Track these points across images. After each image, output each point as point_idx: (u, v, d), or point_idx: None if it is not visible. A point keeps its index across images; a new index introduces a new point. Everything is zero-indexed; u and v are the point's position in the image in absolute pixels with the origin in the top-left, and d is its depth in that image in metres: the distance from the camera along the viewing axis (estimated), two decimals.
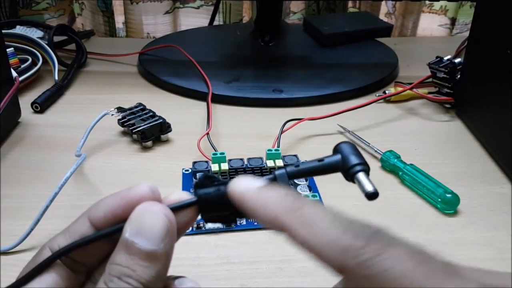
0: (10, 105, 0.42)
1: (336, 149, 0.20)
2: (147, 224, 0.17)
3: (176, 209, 0.19)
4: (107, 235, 0.18)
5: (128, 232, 0.17)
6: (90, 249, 0.19)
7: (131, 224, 0.17)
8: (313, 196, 0.32)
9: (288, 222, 0.17)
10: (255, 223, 0.33)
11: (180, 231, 0.19)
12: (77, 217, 0.19)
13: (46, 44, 0.56)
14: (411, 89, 0.49)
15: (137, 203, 0.18)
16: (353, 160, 0.19)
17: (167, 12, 0.76)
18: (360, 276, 0.15)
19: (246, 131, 0.45)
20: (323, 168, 0.19)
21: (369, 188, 0.18)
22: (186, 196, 0.19)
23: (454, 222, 0.34)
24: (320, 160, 0.19)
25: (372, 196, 0.18)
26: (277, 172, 0.19)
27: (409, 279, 0.15)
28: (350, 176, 0.19)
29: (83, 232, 0.19)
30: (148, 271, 0.17)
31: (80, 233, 0.19)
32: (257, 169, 0.36)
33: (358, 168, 0.19)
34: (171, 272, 0.29)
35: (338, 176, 0.21)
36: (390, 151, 0.39)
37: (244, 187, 0.18)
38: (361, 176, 0.19)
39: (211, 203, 0.19)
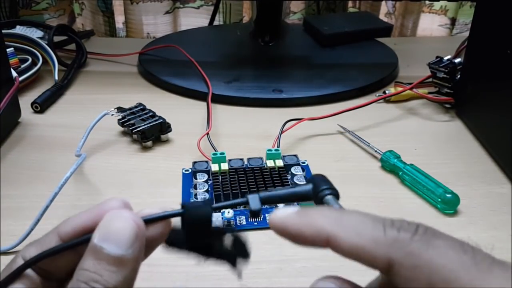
0: (10, 105, 0.42)
1: (309, 180, 0.21)
2: (115, 229, 0.17)
3: (151, 220, 0.19)
4: (74, 245, 0.18)
5: (96, 237, 0.17)
6: (59, 259, 0.19)
7: (99, 230, 0.17)
8: None
9: (333, 231, 0.17)
10: (255, 223, 0.33)
11: (154, 243, 0.19)
12: (50, 231, 0.20)
13: (46, 44, 0.56)
14: (411, 89, 0.49)
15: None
16: (323, 185, 0.20)
17: (167, 12, 0.76)
18: (408, 266, 0.16)
19: (246, 131, 0.45)
20: (295, 194, 0.20)
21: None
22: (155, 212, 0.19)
23: (454, 222, 0.34)
24: (293, 186, 0.20)
25: None
26: (250, 196, 0.20)
27: (456, 267, 0.15)
28: (320, 200, 0.19)
29: (51, 246, 0.19)
30: (115, 276, 0.17)
31: (49, 246, 0.19)
32: (257, 169, 0.36)
33: (326, 192, 0.19)
34: (173, 271, 0.29)
35: (338, 177, 0.21)
36: (390, 151, 0.39)
37: (283, 214, 0.19)
38: (329, 198, 0.19)
39: (197, 221, 0.19)
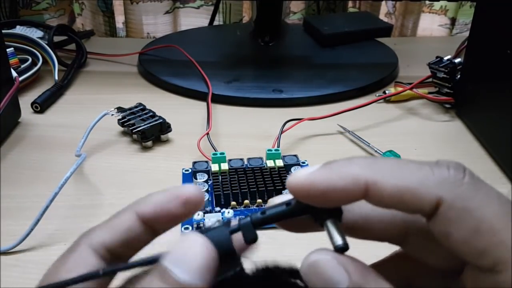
0: (10, 105, 0.42)
1: None
2: (190, 255, 0.16)
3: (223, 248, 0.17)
4: (144, 264, 0.17)
5: (168, 259, 0.16)
6: (134, 243, 0.18)
7: (173, 252, 0.16)
8: None
9: (371, 176, 0.16)
10: None
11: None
12: (119, 212, 0.19)
13: (46, 44, 0.56)
14: (411, 89, 0.49)
15: (187, 201, 0.18)
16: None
17: (167, 12, 0.76)
18: (458, 208, 0.15)
19: (246, 131, 0.45)
20: (291, 212, 0.17)
21: (338, 241, 0.16)
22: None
23: None
24: (288, 204, 0.17)
25: (340, 250, 0.16)
26: (242, 222, 0.18)
27: (501, 219, 0.15)
28: (320, 222, 0.17)
29: (128, 226, 0.18)
30: None
31: (126, 227, 0.18)
32: (257, 169, 0.36)
33: (328, 214, 0.17)
34: None
35: None
36: (390, 151, 0.39)
37: (307, 171, 0.16)
38: (329, 224, 0.17)
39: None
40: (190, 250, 0.16)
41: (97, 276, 0.17)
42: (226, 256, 0.17)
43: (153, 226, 0.18)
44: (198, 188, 0.18)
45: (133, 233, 0.18)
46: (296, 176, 0.16)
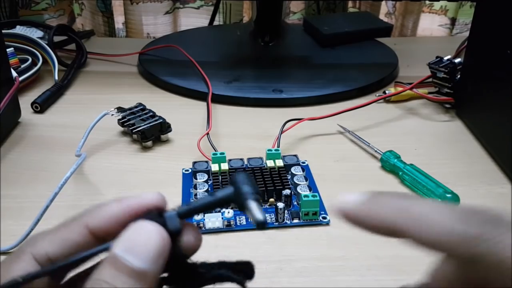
0: (10, 105, 0.42)
1: (231, 180, 0.19)
2: (141, 242, 0.16)
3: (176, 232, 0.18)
4: (95, 254, 0.17)
5: (118, 247, 0.16)
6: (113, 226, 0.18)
7: (124, 240, 0.16)
8: (313, 196, 0.32)
9: (402, 224, 0.16)
10: None
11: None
12: (68, 222, 0.18)
13: (46, 44, 0.56)
14: (411, 89, 0.49)
15: (145, 211, 0.18)
16: (245, 189, 0.18)
17: (167, 13, 0.76)
18: (493, 262, 0.15)
19: (246, 131, 0.45)
20: (216, 202, 0.19)
21: (259, 216, 0.18)
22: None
23: None
24: (212, 194, 0.19)
25: (260, 225, 0.17)
26: (167, 215, 0.18)
27: None
28: (241, 205, 0.18)
29: (76, 241, 0.18)
30: None
31: (73, 242, 0.18)
32: (257, 169, 0.36)
33: (248, 196, 0.18)
34: None
35: (337, 177, 0.21)
36: (390, 151, 0.39)
37: (355, 200, 0.17)
38: (250, 203, 0.18)
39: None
40: (141, 236, 0.16)
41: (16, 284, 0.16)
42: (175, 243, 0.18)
43: (105, 238, 0.18)
44: (158, 195, 0.18)
45: (80, 247, 0.18)
46: (347, 203, 0.17)
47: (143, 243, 0.16)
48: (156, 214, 0.18)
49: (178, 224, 0.18)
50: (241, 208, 0.18)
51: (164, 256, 0.17)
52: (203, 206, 0.19)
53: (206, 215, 0.32)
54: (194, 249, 0.19)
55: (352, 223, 0.17)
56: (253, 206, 0.18)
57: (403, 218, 0.16)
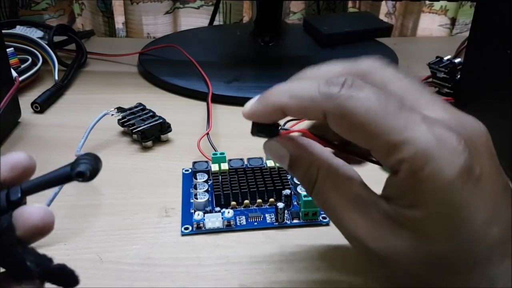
0: (10, 105, 0.42)
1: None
2: None
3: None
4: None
5: None
6: None
7: None
8: None
9: (283, 103, 0.22)
10: (255, 224, 0.33)
11: None
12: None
13: (46, 44, 0.56)
14: None
15: (14, 166, 0.20)
16: (80, 160, 0.19)
17: (167, 12, 0.76)
18: (336, 115, 0.20)
19: (246, 131, 0.45)
20: (55, 178, 0.20)
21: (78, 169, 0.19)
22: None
23: None
24: (54, 170, 0.20)
25: (78, 174, 0.19)
26: (12, 188, 0.20)
27: (371, 115, 0.19)
28: (75, 175, 0.19)
29: None
30: None
31: None
32: (257, 169, 0.36)
33: (80, 162, 0.19)
34: (173, 271, 0.29)
35: None
36: None
37: (250, 104, 0.24)
38: (82, 167, 0.19)
39: None
40: None
41: None
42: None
43: None
44: (25, 154, 0.21)
45: None
46: (245, 107, 0.24)
47: None
48: (6, 186, 0.20)
49: (17, 194, 0.19)
50: (72, 178, 0.19)
51: None
52: (44, 183, 0.20)
53: (206, 215, 0.33)
54: (38, 229, 0.19)
55: (254, 119, 0.24)
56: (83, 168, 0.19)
57: (287, 97, 0.22)
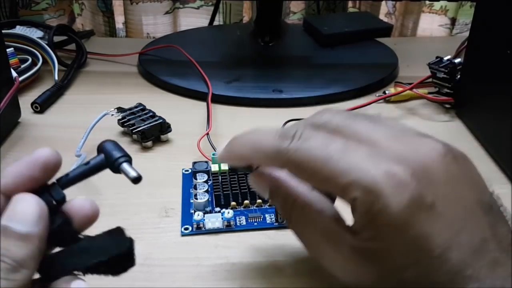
0: (10, 105, 0.42)
1: (99, 149, 0.22)
2: (20, 210, 0.20)
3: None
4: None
5: (3, 219, 0.19)
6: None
7: (7, 212, 0.20)
8: None
9: (248, 157, 0.25)
10: (255, 224, 0.33)
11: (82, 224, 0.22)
12: None
13: (46, 44, 0.56)
14: (411, 89, 0.49)
15: (42, 165, 0.21)
16: (115, 154, 0.22)
17: (167, 12, 0.76)
18: (291, 169, 0.22)
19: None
20: (91, 169, 0.22)
21: (133, 174, 0.21)
22: (87, 205, 0.22)
23: None
24: (87, 163, 0.22)
25: (135, 180, 0.21)
26: (52, 187, 0.21)
27: (318, 161, 0.21)
28: (116, 169, 0.21)
29: None
30: (22, 250, 0.19)
31: None
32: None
33: (120, 160, 0.22)
34: (173, 271, 0.29)
35: None
36: None
37: (220, 153, 0.26)
38: (124, 166, 0.21)
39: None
40: (20, 206, 0.20)
41: None
42: (53, 212, 0.21)
43: (13, 194, 0.20)
44: (53, 151, 0.21)
45: None
46: (218, 154, 0.26)
47: (21, 211, 0.20)
48: (44, 186, 0.21)
49: (61, 194, 0.21)
50: (116, 171, 0.21)
51: (44, 220, 0.20)
52: (80, 175, 0.22)
53: (206, 215, 0.33)
54: (89, 218, 0.22)
55: (225, 163, 0.27)
56: (126, 167, 0.21)
57: (248, 150, 0.24)
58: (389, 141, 0.21)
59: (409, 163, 0.20)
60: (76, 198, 0.22)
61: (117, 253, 0.20)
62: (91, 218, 0.22)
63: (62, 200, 0.21)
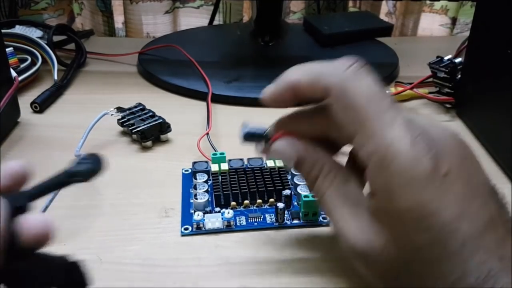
0: (9, 105, 0.42)
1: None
2: None
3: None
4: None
5: None
6: None
7: None
8: (314, 196, 0.32)
9: (296, 81, 0.27)
10: (255, 224, 0.33)
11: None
12: None
13: (46, 43, 0.56)
14: (411, 89, 0.49)
15: (12, 176, 0.21)
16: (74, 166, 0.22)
17: (167, 12, 0.76)
18: (339, 89, 0.23)
19: None
20: (52, 183, 0.22)
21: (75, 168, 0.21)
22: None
23: None
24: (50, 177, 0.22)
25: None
26: (13, 197, 0.20)
27: (365, 100, 0.22)
28: (70, 176, 0.22)
29: None
30: None
31: None
32: (257, 169, 0.36)
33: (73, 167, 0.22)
34: (173, 271, 0.29)
35: None
36: None
37: (269, 88, 0.28)
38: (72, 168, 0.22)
39: None
40: None
41: None
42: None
43: None
44: (21, 163, 0.22)
45: None
46: (263, 93, 0.27)
47: None
48: (8, 193, 0.20)
49: (20, 202, 0.20)
50: (72, 176, 0.22)
51: (4, 216, 0.19)
52: (43, 188, 0.22)
53: (206, 215, 0.32)
54: (38, 239, 0.20)
55: (271, 102, 0.27)
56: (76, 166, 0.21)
57: (297, 74, 0.27)
58: (421, 116, 0.24)
59: (432, 137, 0.22)
60: (34, 214, 0.20)
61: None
62: (43, 238, 0.20)
63: (21, 208, 0.20)
